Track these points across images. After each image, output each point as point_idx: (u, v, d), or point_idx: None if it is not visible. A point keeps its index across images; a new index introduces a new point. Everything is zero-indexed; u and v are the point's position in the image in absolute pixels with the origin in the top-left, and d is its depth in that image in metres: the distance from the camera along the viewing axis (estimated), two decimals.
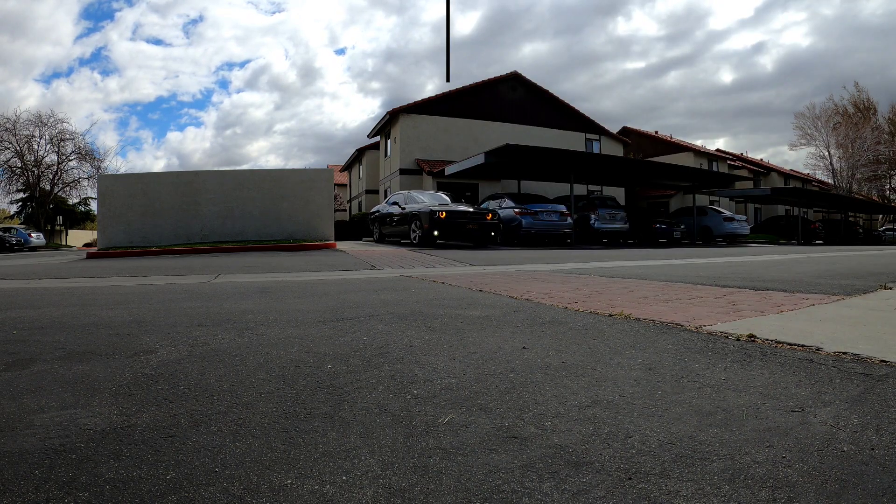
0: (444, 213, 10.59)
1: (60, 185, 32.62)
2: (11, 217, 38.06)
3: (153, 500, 0.82)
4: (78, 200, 36.66)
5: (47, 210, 32.68)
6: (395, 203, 12.65)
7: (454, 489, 0.84)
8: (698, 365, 1.56)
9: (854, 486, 0.83)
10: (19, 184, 31.89)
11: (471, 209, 11.42)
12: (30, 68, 77.51)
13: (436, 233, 10.42)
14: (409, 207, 11.66)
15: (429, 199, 11.98)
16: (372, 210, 14.71)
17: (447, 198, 12.42)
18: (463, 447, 1.00)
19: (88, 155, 32.19)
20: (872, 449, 0.96)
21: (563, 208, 14.05)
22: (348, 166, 33.14)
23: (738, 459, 0.93)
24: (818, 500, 0.79)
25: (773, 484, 0.84)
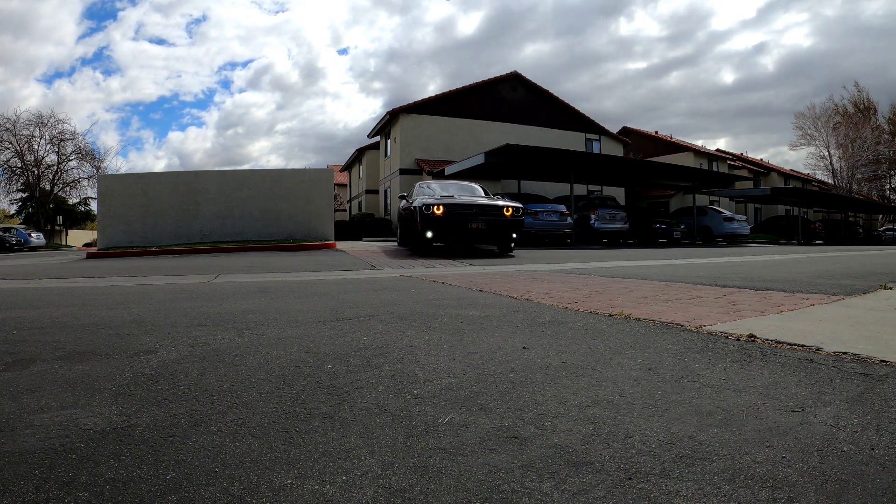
0: (440, 208, 7.83)
1: (60, 185, 32.60)
2: (11, 217, 38.04)
3: (153, 500, 0.82)
4: (78, 200, 36.65)
5: (47, 210, 32.67)
6: (402, 197, 10.17)
7: (454, 489, 0.84)
8: (698, 365, 1.56)
9: (854, 486, 0.83)
10: (19, 184, 31.87)
11: (478, 201, 8.50)
12: (32, 68, 77.66)
13: (429, 234, 7.92)
14: (419, 201, 8.59)
15: (450, 190, 9.51)
16: (400, 207, 11.77)
17: (481, 189, 9.87)
18: (463, 447, 1.00)
19: (89, 155, 32.20)
20: (872, 449, 0.96)
21: (563, 208, 14.04)
22: (348, 166, 33.16)
23: (738, 459, 0.93)
24: (818, 500, 0.79)
25: (773, 484, 0.84)
